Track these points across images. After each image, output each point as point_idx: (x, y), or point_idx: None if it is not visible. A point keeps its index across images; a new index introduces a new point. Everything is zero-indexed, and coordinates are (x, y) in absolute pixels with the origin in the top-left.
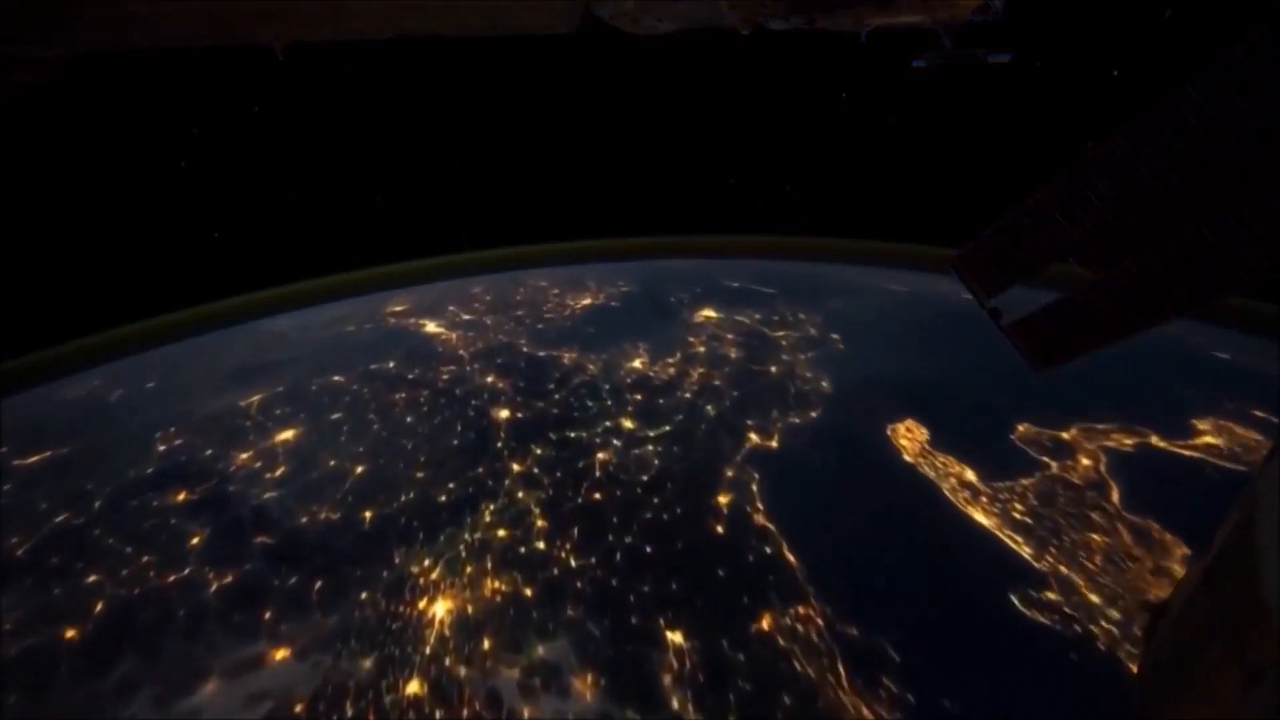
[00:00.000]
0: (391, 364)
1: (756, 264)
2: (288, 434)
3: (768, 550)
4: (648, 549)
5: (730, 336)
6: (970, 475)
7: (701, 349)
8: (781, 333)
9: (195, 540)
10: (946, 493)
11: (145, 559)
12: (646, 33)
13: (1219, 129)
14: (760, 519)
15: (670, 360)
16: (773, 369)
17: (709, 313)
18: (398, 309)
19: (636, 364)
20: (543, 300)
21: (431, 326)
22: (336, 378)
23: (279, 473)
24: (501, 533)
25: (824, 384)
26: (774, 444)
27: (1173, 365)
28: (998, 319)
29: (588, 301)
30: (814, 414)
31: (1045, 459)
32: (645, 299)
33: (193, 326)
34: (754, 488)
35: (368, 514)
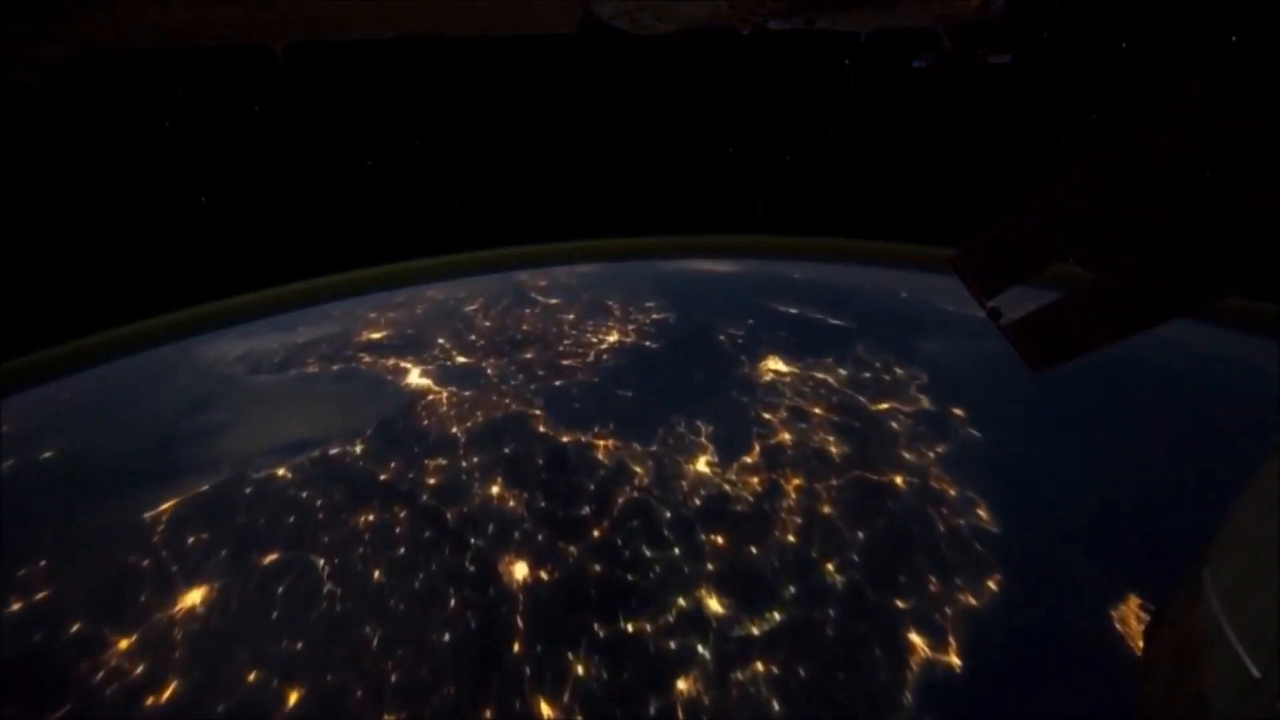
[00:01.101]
0: (359, 448)
1: (790, 272)
2: (195, 597)
3: None
4: None
5: (818, 412)
6: None
7: (786, 435)
8: (885, 405)
9: None
10: None
11: None
12: (646, 32)
13: (1220, 127)
14: None
15: (747, 457)
16: (898, 480)
17: (777, 365)
18: (374, 337)
19: (702, 465)
20: (556, 332)
21: (415, 376)
22: (281, 470)
23: (164, 699)
24: None
25: (983, 515)
26: (954, 659)
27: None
28: (997, 319)
29: (614, 338)
30: (991, 585)
31: None
32: (686, 333)
33: (127, 346)
34: None
35: None
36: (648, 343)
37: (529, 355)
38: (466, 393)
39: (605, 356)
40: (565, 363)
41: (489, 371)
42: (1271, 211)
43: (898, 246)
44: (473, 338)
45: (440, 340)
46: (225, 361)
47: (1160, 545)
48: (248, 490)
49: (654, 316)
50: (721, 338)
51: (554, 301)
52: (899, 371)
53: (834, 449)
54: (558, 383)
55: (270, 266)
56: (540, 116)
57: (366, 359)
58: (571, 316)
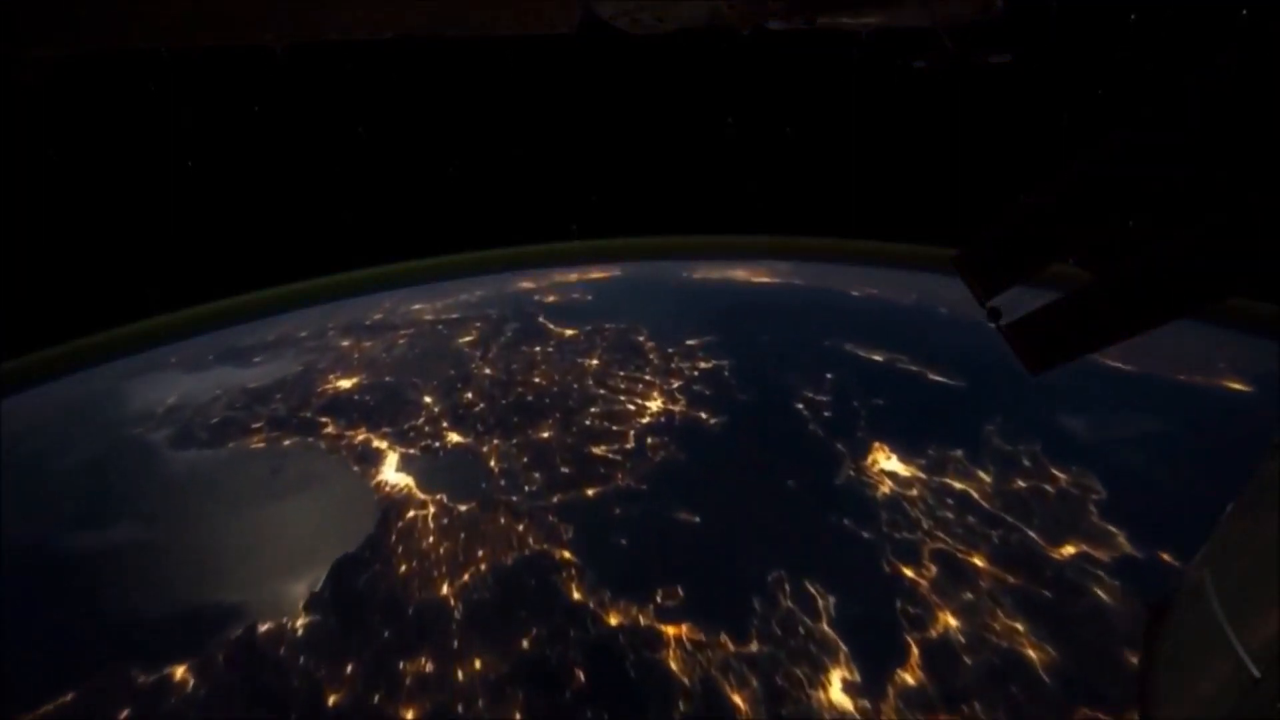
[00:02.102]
0: (298, 628)
1: (841, 285)
2: None
3: None
4: None
5: (980, 564)
6: None
7: (950, 620)
8: (1069, 548)
9: None
10: None
11: None
12: (646, 32)
13: (1218, 127)
14: None
15: (905, 675)
16: None
17: (891, 462)
18: (342, 387)
19: (839, 695)
20: (578, 390)
21: (390, 468)
22: (179, 673)
23: None
24: None
25: None
26: None
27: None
28: (996, 319)
29: (657, 404)
30: None
31: None
32: (752, 398)
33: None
34: None
35: None
36: (703, 414)
37: (545, 434)
38: (462, 507)
39: (651, 441)
40: (596, 451)
41: (492, 463)
42: (1271, 211)
43: (923, 248)
44: (469, 395)
45: (426, 399)
46: (150, 416)
47: None
48: None
49: (701, 365)
50: (800, 406)
51: (569, 333)
52: (1060, 475)
53: (1031, 652)
54: (590, 492)
55: (245, 270)
56: (540, 116)
57: (328, 428)
58: (595, 362)
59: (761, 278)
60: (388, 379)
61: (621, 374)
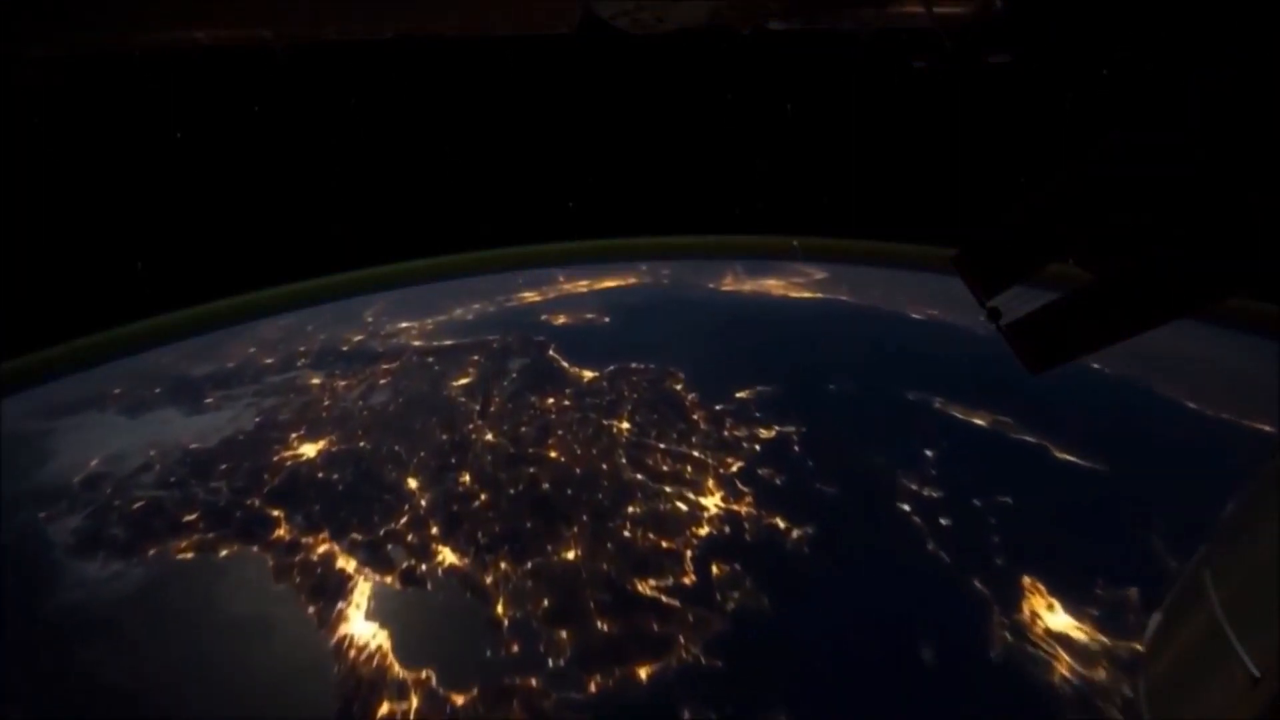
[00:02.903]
0: None
1: (893, 307)
2: None
3: None
4: None
5: None
6: None
7: None
8: None
9: None
10: None
11: None
12: (646, 32)
13: (1218, 127)
14: None
15: None
16: None
17: (1051, 615)
18: (304, 456)
19: None
20: (609, 473)
21: (359, 617)
22: None
23: None
24: None
25: None
26: None
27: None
28: (996, 319)
29: (714, 505)
30: None
31: None
32: (838, 495)
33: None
34: None
35: None
36: (779, 520)
37: (570, 554)
38: (458, 698)
39: (716, 570)
40: (643, 589)
41: (499, 608)
42: (1271, 211)
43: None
44: (465, 478)
45: (410, 482)
46: (63, 491)
47: None
48: None
49: (762, 434)
50: (905, 507)
51: (588, 376)
52: None
53: None
54: (644, 674)
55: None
56: (540, 116)
57: (279, 529)
58: (626, 426)
59: (799, 291)
60: (363, 444)
61: (662, 447)
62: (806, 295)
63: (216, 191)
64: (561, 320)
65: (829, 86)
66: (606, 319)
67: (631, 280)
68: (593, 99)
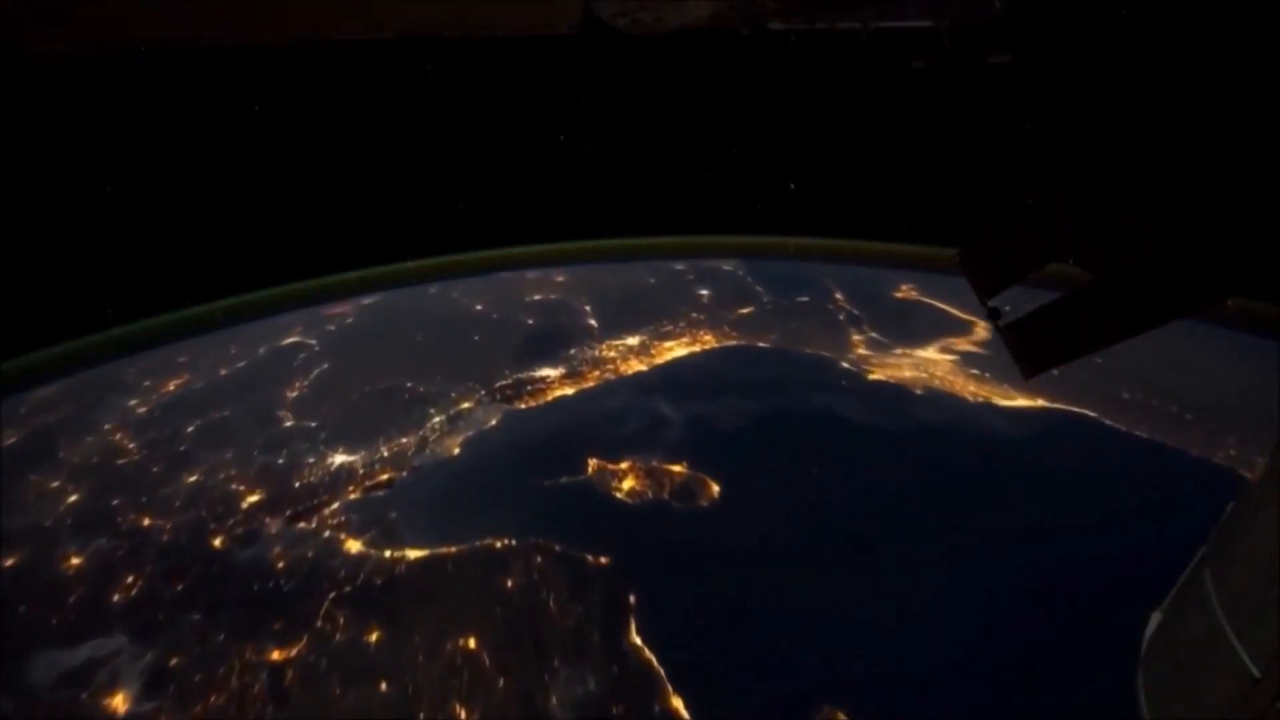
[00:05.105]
0: None
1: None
2: None
3: None
4: None
5: None
6: None
7: None
8: None
9: None
10: None
11: None
12: (647, 32)
13: (1215, 131)
14: None
15: None
16: None
17: None
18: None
19: None
20: None
21: None
22: None
23: None
24: None
25: None
26: None
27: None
28: (996, 319)
29: None
30: None
31: None
32: None
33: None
34: None
35: None
36: None
37: None
38: None
39: None
40: None
41: None
42: (1271, 211)
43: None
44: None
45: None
46: None
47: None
48: None
49: None
50: None
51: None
52: None
53: None
54: None
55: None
56: (540, 115)
57: None
58: None
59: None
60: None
61: None
62: (1021, 404)
63: (216, 191)
64: (629, 487)
65: (828, 86)
66: (705, 482)
67: (701, 342)
68: (592, 99)
